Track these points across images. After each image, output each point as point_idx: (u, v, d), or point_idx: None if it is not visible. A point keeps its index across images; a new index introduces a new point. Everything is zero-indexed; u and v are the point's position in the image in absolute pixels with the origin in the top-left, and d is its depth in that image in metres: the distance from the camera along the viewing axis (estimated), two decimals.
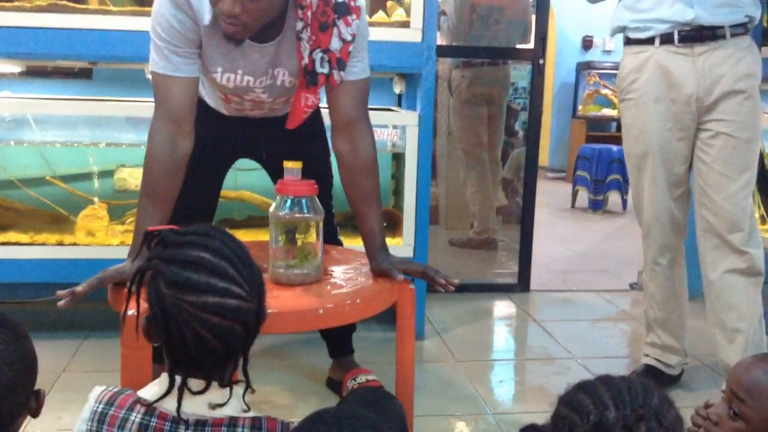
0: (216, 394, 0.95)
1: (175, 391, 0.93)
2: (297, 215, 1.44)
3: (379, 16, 2.43)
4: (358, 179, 1.58)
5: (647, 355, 2.14)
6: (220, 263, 0.92)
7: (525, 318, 2.86)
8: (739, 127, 1.87)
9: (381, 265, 1.53)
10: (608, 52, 7.81)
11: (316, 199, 1.46)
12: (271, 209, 1.45)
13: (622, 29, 2.00)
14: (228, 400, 0.95)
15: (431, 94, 2.35)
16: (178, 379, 0.93)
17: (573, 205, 5.75)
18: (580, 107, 7.65)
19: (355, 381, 1.93)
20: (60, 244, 2.23)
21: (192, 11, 1.42)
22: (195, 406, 0.93)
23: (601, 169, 5.53)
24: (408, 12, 2.32)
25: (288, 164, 1.45)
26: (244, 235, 2.21)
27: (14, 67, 2.58)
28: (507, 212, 4.27)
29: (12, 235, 2.25)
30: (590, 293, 3.18)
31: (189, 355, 0.92)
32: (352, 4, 1.50)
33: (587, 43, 7.81)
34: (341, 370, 1.99)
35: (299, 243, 1.45)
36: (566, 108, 7.81)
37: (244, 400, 0.97)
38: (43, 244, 2.23)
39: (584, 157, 5.71)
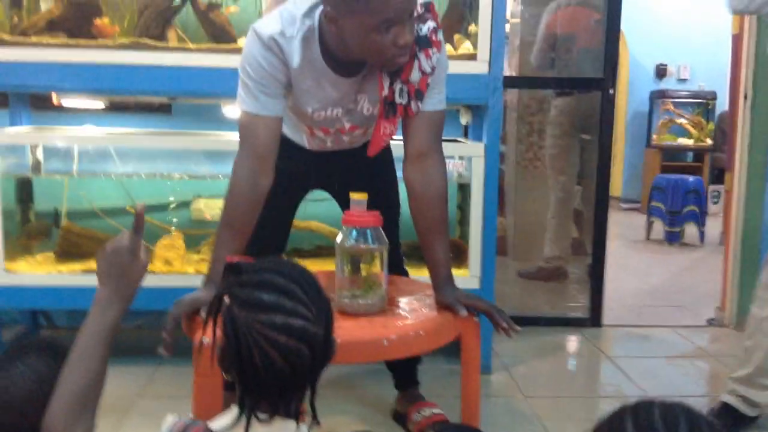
0: (280, 425, 0.96)
1: (243, 421, 0.95)
2: (362, 245, 1.46)
3: (446, 49, 2.45)
4: (426, 209, 1.59)
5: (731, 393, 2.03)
6: (289, 285, 0.96)
7: (596, 354, 2.78)
8: None
9: (446, 299, 1.53)
10: (683, 80, 7.62)
11: (381, 229, 1.47)
12: (337, 239, 1.47)
13: None
14: None
15: (498, 125, 2.35)
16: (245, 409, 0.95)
17: (648, 237, 5.58)
18: (654, 136, 7.46)
19: (420, 414, 1.92)
20: None
21: (282, 54, 1.47)
22: None
23: (677, 200, 5.35)
24: (475, 45, 2.33)
25: (354, 195, 1.48)
26: (312, 265, 2.22)
27: (98, 103, 2.72)
28: (579, 244, 4.18)
29: (94, 263, 2.34)
30: (666, 329, 3.06)
31: (258, 380, 0.94)
32: (434, 38, 1.53)
33: (661, 71, 7.64)
34: (406, 403, 1.98)
35: (364, 273, 1.47)
36: (640, 137, 7.62)
37: None
38: None
39: (659, 188, 5.54)
